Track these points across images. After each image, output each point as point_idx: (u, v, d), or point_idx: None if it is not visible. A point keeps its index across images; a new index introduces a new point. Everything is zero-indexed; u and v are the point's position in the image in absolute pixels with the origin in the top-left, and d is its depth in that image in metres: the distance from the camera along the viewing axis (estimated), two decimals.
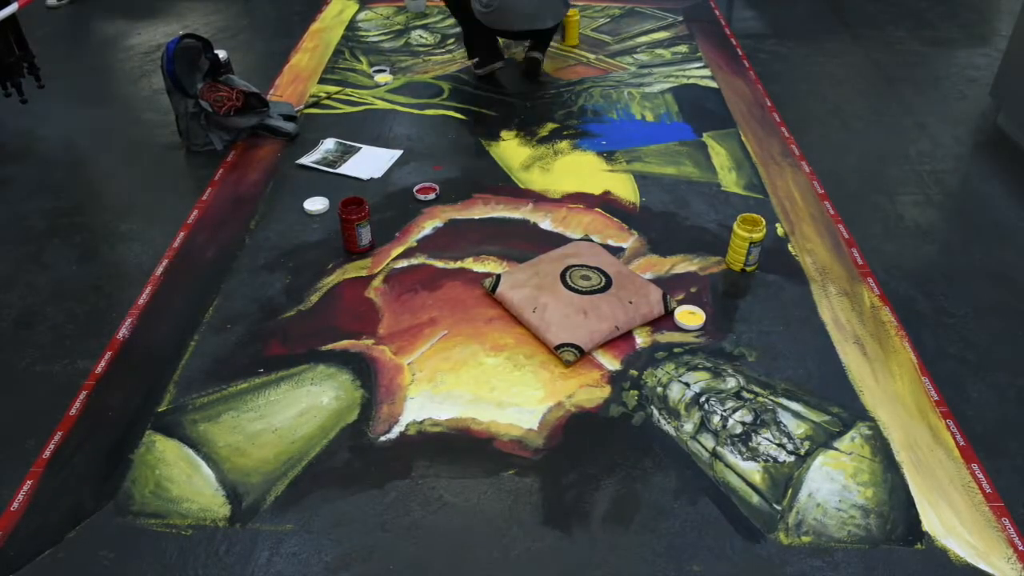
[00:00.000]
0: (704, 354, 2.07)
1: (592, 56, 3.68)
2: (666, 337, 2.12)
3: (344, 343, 2.10)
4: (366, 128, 3.10)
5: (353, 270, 2.36)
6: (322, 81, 3.46)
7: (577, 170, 2.84)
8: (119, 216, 2.63)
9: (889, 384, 1.99)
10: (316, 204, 2.62)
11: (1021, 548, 1.62)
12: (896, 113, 3.25)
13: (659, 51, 3.72)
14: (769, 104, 3.28)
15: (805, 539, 1.63)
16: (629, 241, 2.48)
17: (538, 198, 2.69)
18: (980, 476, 1.76)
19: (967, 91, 3.40)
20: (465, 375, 2.01)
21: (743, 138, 3.03)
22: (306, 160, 2.88)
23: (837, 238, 2.50)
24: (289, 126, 3.05)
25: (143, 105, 3.31)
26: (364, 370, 2.02)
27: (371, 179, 2.78)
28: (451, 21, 3.98)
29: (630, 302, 2.15)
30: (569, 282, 2.20)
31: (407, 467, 1.77)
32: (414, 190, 2.70)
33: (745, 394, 1.95)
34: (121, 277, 2.36)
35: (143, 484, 1.74)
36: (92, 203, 2.72)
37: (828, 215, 2.61)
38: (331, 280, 2.32)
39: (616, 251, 2.43)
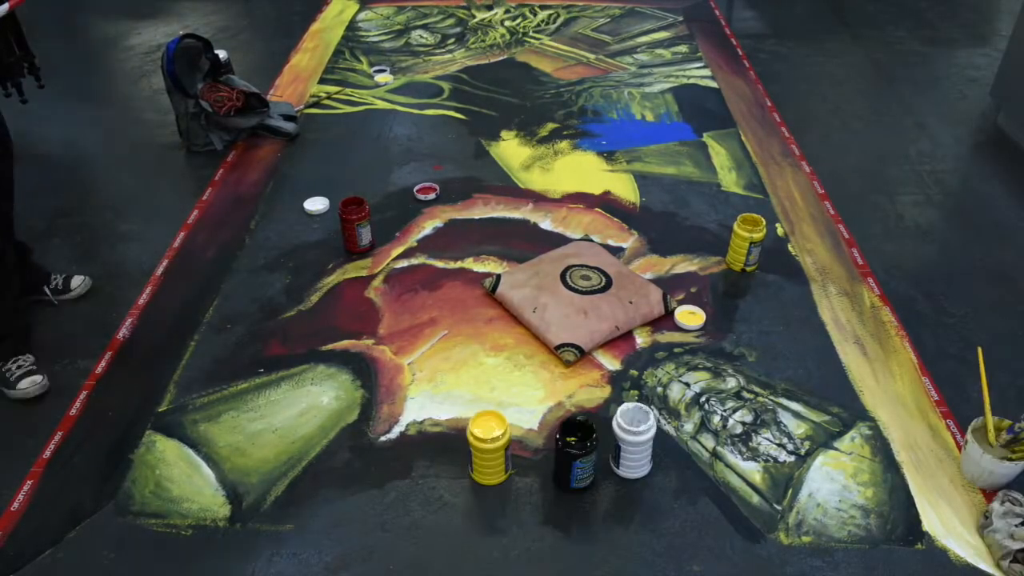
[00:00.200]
0: (704, 354, 2.07)
1: (592, 56, 3.68)
2: (666, 337, 2.12)
3: (344, 343, 2.10)
4: (366, 128, 3.10)
5: (353, 270, 2.36)
6: (322, 81, 3.46)
7: (577, 170, 2.83)
8: (119, 216, 2.63)
9: (889, 384, 1.99)
10: (316, 204, 2.62)
11: None
12: (896, 113, 3.25)
13: (659, 51, 3.72)
14: (769, 104, 3.28)
15: (805, 539, 1.63)
16: (629, 241, 2.48)
17: (538, 198, 2.69)
18: None
19: (967, 91, 3.40)
20: (465, 375, 2.00)
21: (743, 138, 3.03)
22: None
23: (837, 238, 2.50)
24: (289, 126, 3.05)
25: (143, 105, 3.31)
26: (364, 370, 2.02)
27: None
28: (451, 21, 3.98)
29: (630, 302, 2.14)
30: (569, 282, 2.20)
31: (407, 467, 1.77)
32: (414, 190, 2.70)
33: (745, 394, 1.95)
34: (121, 277, 2.35)
35: (143, 484, 1.74)
36: (92, 203, 2.72)
37: (828, 215, 2.61)
38: (331, 280, 2.32)
39: (616, 251, 2.43)
